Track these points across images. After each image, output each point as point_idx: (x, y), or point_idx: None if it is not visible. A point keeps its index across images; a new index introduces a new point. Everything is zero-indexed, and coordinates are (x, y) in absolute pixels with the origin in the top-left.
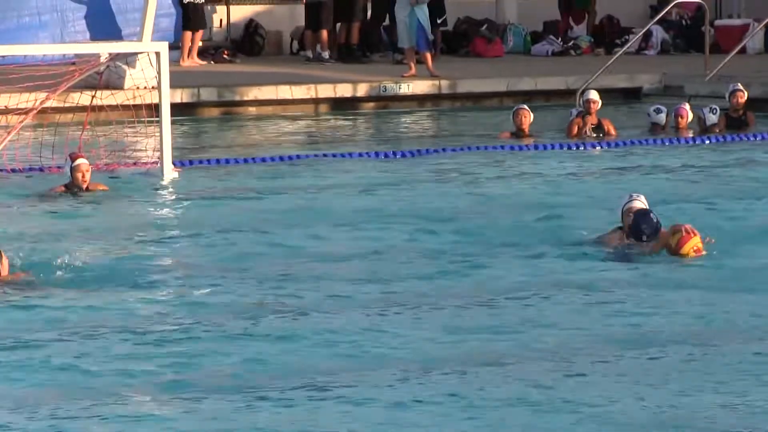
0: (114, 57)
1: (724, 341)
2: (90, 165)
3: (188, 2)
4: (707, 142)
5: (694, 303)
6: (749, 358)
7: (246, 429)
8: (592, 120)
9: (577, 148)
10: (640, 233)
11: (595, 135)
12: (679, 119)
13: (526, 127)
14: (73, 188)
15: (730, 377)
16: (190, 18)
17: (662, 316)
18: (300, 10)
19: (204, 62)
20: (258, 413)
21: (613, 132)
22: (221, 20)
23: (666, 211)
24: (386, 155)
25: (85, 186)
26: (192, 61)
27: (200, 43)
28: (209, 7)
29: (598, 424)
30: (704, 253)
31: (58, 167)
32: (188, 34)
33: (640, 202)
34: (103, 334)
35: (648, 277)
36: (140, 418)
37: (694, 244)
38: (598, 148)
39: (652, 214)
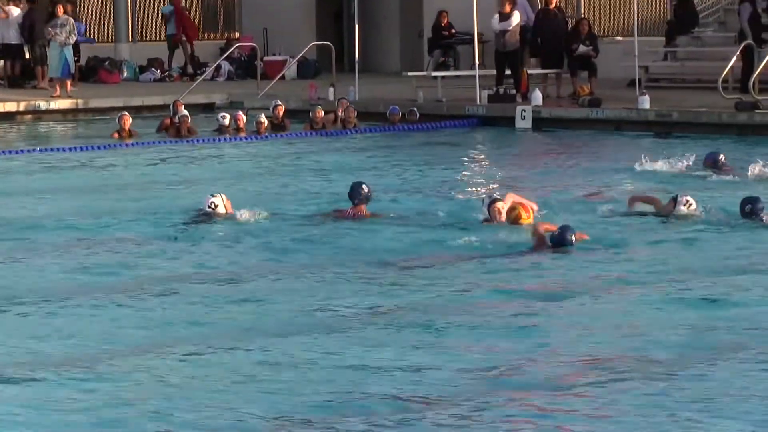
0: None
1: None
2: None
3: None
4: (259, 139)
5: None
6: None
7: None
8: (186, 125)
9: (167, 143)
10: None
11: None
12: (239, 122)
13: (127, 127)
14: None
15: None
16: None
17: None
18: None
19: None
20: None
21: (195, 131)
22: None
23: (247, 182)
24: (41, 150)
25: None
26: None
27: None
28: None
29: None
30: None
31: None
32: None
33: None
34: None
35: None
36: None
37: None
38: (185, 143)
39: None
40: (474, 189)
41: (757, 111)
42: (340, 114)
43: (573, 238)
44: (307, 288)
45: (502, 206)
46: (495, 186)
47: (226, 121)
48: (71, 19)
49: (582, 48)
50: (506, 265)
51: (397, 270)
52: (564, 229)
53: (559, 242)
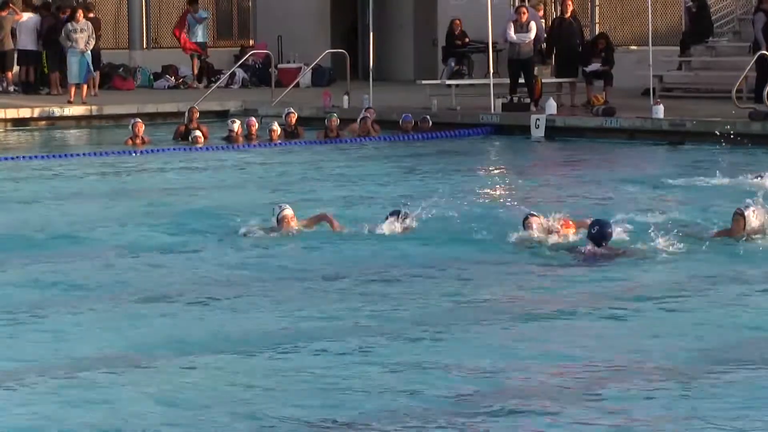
0: None
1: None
2: None
3: None
4: (274, 146)
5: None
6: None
7: None
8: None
9: (180, 150)
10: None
11: (192, 141)
12: (251, 128)
13: (140, 134)
14: None
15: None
16: None
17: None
18: None
19: None
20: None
21: (206, 136)
22: None
23: (259, 190)
24: (60, 156)
25: None
26: None
27: None
28: None
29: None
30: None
31: None
32: None
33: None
34: None
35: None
36: None
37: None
38: (197, 151)
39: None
40: (487, 198)
41: None
42: (362, 117)
43: (611, 231)
44: (326, 296)
45: (537, 221)
46: (509, 195)
47: (236, 126)
48: (90, 24)
49: (593, 65)
50: (524, 273)
51: (413, 279)
52: (601, 224)
53: (599, 237)
